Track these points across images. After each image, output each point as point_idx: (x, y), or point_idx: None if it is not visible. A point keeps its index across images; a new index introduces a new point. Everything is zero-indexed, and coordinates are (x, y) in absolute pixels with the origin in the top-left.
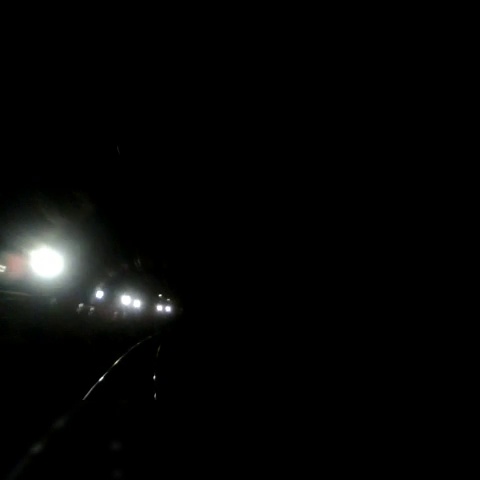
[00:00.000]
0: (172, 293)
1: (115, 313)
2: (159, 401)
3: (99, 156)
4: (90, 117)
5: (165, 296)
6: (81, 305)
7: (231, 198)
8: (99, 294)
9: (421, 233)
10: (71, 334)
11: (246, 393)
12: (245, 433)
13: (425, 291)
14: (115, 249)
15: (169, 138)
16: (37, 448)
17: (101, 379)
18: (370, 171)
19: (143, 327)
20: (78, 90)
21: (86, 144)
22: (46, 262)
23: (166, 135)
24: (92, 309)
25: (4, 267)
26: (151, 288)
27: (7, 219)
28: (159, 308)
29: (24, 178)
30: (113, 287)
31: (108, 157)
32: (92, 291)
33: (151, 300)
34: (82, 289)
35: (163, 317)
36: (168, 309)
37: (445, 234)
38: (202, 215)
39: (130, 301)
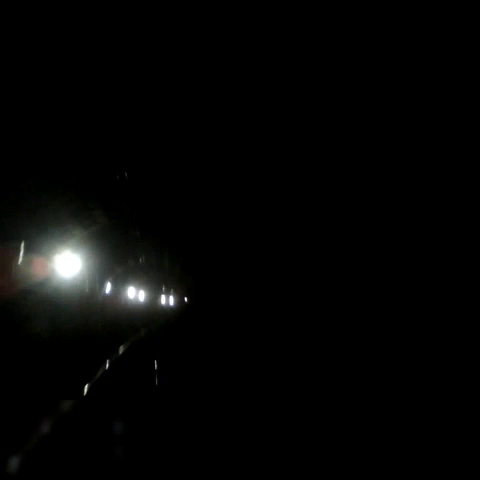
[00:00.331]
0: (174, 287)
1: (122, 305)
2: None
3: (109, 178)
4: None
5: (168, 289)
6: (94, 298)
7: (231, 197)
8: (108, 289)
9: (420, 230)
10: (87, 324)
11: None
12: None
13: (424, 287)
14: (123, 250)
15: (167, 137)
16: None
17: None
18: (369, 169)
19: (147, 317)
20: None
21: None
22: (67, 264)
23: (164, 134)
24: (103, 302)
25: (32, 269)
26: (154, 282)
27: (35, 228)
28: (162, 300)
29: (50, 197)
30: (120, 282)
31: (117, 179)
32: (103, 286)
33: (154, 293)
34: (95, 285)
35: (166, 309)
36: (171, 301)
37: (445, 232)
38: (202, 213)
39: (135, 294)
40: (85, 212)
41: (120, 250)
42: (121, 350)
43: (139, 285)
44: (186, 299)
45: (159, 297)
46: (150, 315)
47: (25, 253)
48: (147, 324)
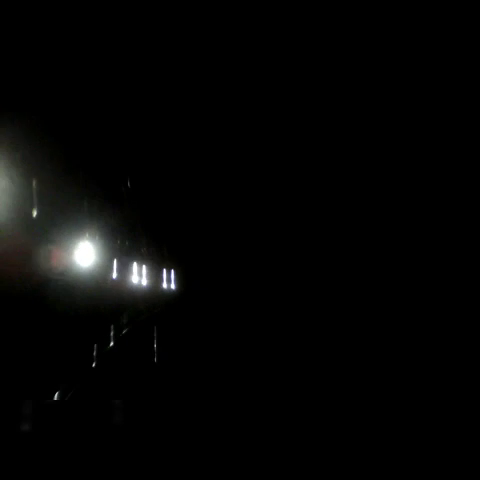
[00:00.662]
0: (175, 272)
1: (128, 287)
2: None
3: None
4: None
5: (169, 271)
6: (105, 282)
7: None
8: (115, 274)
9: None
10: (102, 303)
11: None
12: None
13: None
14: (128, 242)
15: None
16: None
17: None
18: (369, 168)
19: (150, 298)
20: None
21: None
22: (85, 254)
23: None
24: (113, 284)
25: (54, 259)
26: (156, 269)
27: (56, 222)
28: (164, 282)
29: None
30: (127, 266)
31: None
32: (112, 271)
33: (157, 276)
34: (106, 272)
35: (167, 292)
36: (172, 285)
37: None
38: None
39: (139, 278)
40: (98, 213)
41: (126, 242)
42: (127, 327)
43: (143, 270)
44: (184, 284)
45: (161, 281)
46: (153, 297)
47: (48, 244)
48: (150, 305)
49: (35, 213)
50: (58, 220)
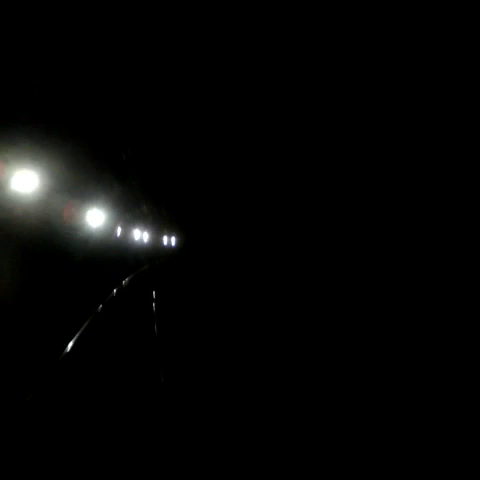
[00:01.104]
0: (175, 228)
1: (130, 244)
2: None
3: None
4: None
5: (169, 230)
6: (111, 239)
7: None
8: (119, 232)
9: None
10: (110, 256)
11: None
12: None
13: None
14: (131, 204)
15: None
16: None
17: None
18: (368, 167)
19: (151, 254)
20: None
21: None
22: (94, 216)
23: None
24: (116, 241)
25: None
26: (157, 227)
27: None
28: (164, 241)
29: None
30: (129, 227)
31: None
32: (115, 230)
33: (157, 234)
34: (111, 230)
35: (167, 248)
36: (173, 241)
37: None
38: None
39: (140, 235)
40: (106, 182)
41: (129, 204)
42: (130, 277)
43: (144, 229)
44: (184, 240)
45: (161, 239)
46: (154, 253)
47: (68, 205)
48: (151, 259)
49: (62, 186)
50: (78, 190)
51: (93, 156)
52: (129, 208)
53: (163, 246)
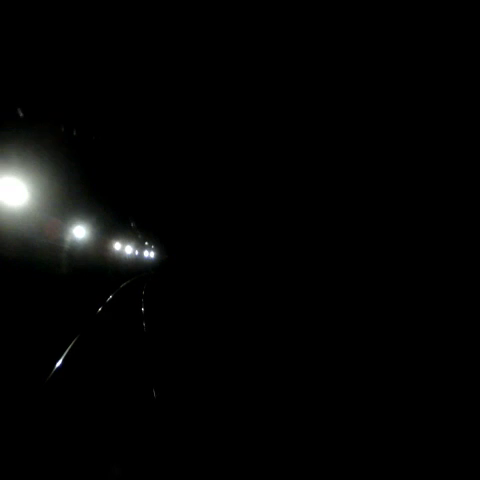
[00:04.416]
0: (157, 243)
1: (122, 258)
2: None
3: None
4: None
5: (151, 244)
6: (105, 254)
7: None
8: (114, 247)
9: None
10: (101, 271)
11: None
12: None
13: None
14: (121, 225)
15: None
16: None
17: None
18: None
19: (137, 266)
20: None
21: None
22: (78, 230)
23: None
24: (110, 256)
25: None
26: (141, 242)
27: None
28: (146, 254)
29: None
30: (121, 243)
31: None
32: (110, 246)
33: (141, 249)
34: (97, 242)
35: (148, 261)
36: (152, 255)
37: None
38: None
39: (131, 251)
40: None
41: (119, 225)
42: (121, 286)
43: (132, 245)
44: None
45: (143, 252)
46: (139, 264)
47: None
48: (138, 271)
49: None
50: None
51: (82, 177)
52: (116, 226)
53: (145, 258)
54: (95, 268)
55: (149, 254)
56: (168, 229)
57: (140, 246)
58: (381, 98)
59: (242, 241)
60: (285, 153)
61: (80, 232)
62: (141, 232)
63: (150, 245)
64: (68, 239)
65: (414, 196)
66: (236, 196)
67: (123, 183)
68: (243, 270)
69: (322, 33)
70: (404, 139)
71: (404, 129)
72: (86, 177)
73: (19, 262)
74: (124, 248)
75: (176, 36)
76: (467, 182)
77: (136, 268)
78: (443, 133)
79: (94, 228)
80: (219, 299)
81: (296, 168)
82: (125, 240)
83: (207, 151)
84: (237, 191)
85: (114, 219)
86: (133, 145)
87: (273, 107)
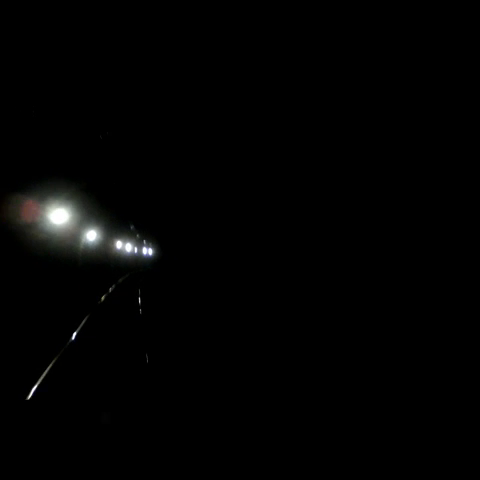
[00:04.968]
0: (153, 241)
1: (122, 255)
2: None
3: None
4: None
5: (148, 242)
6: (108, 251)
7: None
8: (116, 245)
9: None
10: (105, 265)
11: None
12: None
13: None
14: (122, 223)
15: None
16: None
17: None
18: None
19: (136, 262)
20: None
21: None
22: (90, 233)
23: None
24: (113, 253)
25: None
26: (140, 240)
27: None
28: (144, 252)
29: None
30: (122, 242)
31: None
32: (112, 244)
33: (139, 247)
34: (107, 243)
35: (146, 257)
36: (150, 252)
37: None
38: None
39: (131, 248)
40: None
41: (120, 223)
42: (121, 279)
43: (132, 243)
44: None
45: (142, 249)
46: (138, 260)
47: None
48: (137, 266)
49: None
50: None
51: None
52: (119, 228)
53: (144, 255)
54: (102, 263)
55: (147, 251)
56: (164, 230)
57: (139, 245)
58: (381, 98)
59: (233, 238)
60: (281, 152)
61: (91, 235)
62: (140, 233)
63: (148, 244)
64: (82, 241)
65: (414, 196)
66: (231, 196)
67: (124, 187)
68: (234, 263)
69: (322, 33)
70: (404, 139)
71: (404, 129)
72: (94, 185)
73: (48, 259)
74: (125, 247)
75: (175, 37)
76: (467, 182)
77: (136, 264)
78: (443, 133)
79: (101, 231)
80: (208, 288)
81: (292, 167)
82: (125, 240)
83: (203, 151)
84: (232, 191)
85: (116, 223)
86: (131, 150)
87: (270, 106)
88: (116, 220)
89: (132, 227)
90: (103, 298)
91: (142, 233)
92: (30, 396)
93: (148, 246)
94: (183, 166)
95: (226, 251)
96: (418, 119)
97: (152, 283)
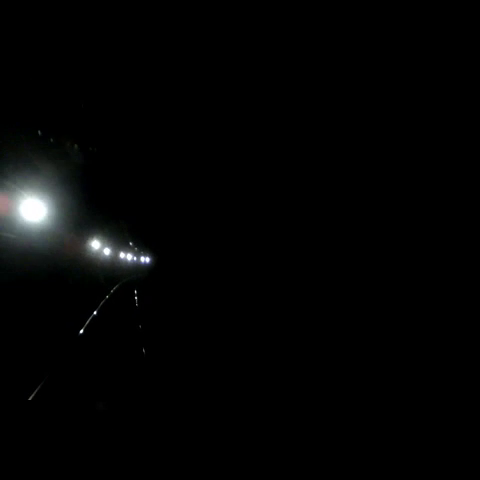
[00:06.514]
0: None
1: (117, 262)
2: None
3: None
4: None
5: (146, 253)
6: (99, 258)
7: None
8: (107, 252)
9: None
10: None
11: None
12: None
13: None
14: (117, 232)
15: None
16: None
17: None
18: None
19: (133, 268)
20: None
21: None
22: (96, 244)
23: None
24: (104, 260)
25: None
26: (136, 248)
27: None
28: (142, 259)
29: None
30: (115, 248)
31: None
32: (103, 251)
33: (137, 255)
34: (99, 250)
35: (143, 265)
36: (147, 260)
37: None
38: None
39: (124, 255)
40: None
41: (115, 232)
42: (117, 286)
43: (127, 250)
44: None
45: (140, 258)
46: (135, 267)
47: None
48: (133, 272)
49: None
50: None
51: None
52: (119, 240)
53: (142, 263)
54: (106, 270)
55: (145, 259)
56: (160, 240)
57: (137, 254)
58: (381, 98)
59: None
60: (280, 155)
61: (95, 244)
62: (137, 245)
63: (145, 253)
64: (87, 250)
65: (414, 196)
66: (229, 200)
67: (121, 200)
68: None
69: (322, 33)
70: (404, 139)
71: (404, 129)
72: (91, 195)
73: (57, 268)
74: (126, 257)
75: (173, 40)
76: (467, 182)
77: (135, 270)
78: (443, 133)
79: (103, 241)
80: (207, 291)
81: (291, 171)
82: (126, 251)
83: (200, 155)
84: (230, 196)
85: (117, 237)
86: (126, 157)
87: (266, 107)
88: (117, 234)
89: (131, 244)
90: (115, 288)
91: (140, 246)
92: None
93: (146, 255)
94: (179, 170)
95: (224, 255)
96: (419, 120)
97: (148, 282)
